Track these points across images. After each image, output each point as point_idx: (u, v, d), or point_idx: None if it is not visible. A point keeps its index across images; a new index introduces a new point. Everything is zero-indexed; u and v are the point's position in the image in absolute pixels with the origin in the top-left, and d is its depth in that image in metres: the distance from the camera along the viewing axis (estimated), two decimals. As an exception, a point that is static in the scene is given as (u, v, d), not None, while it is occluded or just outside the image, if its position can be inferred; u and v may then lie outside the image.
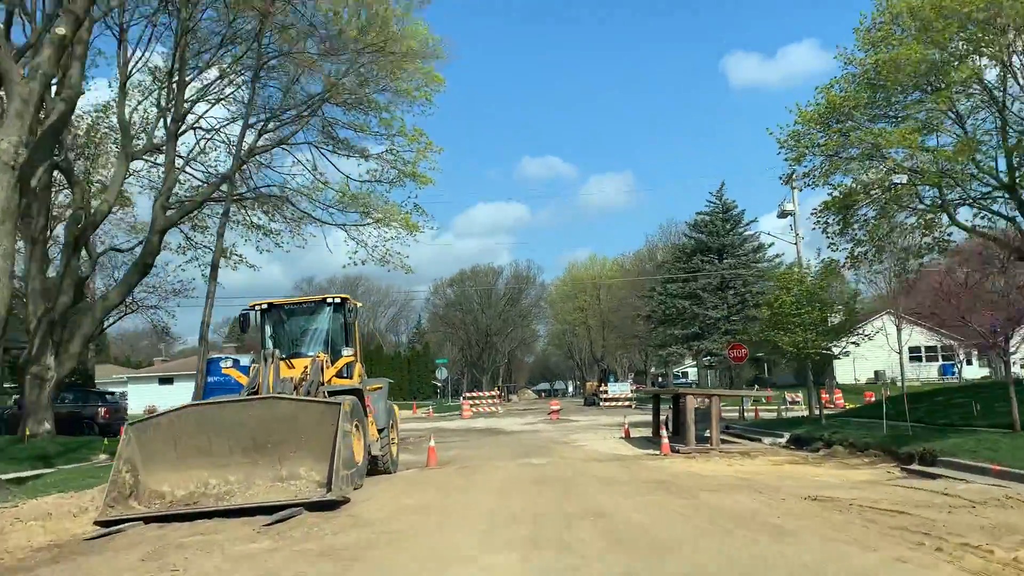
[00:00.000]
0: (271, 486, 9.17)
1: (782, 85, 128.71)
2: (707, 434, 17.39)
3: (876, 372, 48.12)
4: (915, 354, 47.67)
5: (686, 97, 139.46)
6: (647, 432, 23.64)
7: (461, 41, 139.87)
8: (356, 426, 10.60)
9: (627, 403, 45.66)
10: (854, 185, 20.88)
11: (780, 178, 23.07)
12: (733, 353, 27.93)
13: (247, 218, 22.52)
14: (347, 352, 12.25)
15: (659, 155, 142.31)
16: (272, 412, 9.43)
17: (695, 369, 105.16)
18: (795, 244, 31.01)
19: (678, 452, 16.65)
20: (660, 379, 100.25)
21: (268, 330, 12.83)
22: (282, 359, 11.52)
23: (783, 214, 32.17)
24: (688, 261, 46.65)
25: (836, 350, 21.03)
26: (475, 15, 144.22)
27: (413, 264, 22.41)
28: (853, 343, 20.99)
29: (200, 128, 21.87)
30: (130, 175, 21.18)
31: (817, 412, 21.64)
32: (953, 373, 47.45)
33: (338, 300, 12.77)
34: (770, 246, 46.53)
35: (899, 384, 21.20)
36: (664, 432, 20.13)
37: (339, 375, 12.34)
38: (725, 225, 46.53)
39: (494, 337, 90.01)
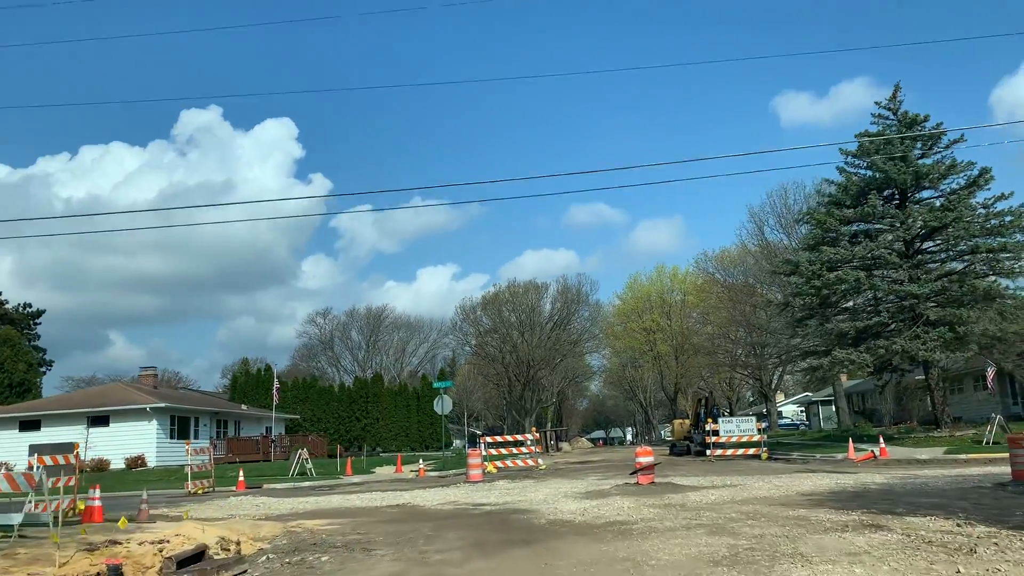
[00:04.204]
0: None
1: (834, 122, 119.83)
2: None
3: None
4: None
5: (736, 138, 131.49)
6: None
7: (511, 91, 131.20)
8: None
9: (754, 451, 27.01)
10: None
11: None
12: None
13: None
14: None
15: (710, 199, 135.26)
16: None
17: (791, 406, 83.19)
18: None
19: None
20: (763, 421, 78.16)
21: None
22: None
23: None
24: (855, 206, 27.73)
25: None
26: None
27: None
28: None
29: None
30: None
31: None
32: None
33: None
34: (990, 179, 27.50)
35: None
36: None
37: None
38: (912, 146, 27.73)
39: (539, 370, 71.46)
